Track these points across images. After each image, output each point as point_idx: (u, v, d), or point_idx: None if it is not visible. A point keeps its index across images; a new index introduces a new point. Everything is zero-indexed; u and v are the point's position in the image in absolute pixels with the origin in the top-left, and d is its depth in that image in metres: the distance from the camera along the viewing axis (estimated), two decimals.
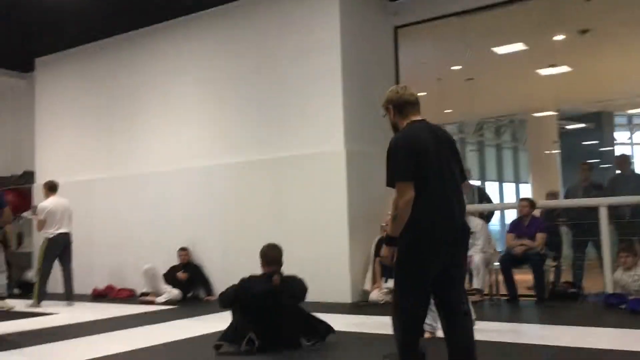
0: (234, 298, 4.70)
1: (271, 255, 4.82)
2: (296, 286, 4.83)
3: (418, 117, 3.24)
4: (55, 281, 9.71)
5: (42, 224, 7.97)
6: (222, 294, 4.85)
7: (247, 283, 4.69)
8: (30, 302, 7.84)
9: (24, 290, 9.84)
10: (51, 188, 8.18)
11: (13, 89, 11.50)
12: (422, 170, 3.03)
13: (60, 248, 7.98)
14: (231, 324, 4.65)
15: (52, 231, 7.92)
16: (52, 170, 10.18)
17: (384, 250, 3.17)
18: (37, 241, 10.19)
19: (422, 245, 3.02)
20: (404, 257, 3.06)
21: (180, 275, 8.06)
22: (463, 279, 3.26)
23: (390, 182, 3.09)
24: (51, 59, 10.46)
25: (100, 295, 8.92)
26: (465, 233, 3.16)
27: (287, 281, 4.80)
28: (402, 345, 3.11)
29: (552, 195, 8.77)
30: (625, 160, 7.99)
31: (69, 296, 7.96)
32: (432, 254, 3.03)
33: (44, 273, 7.89)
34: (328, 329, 4.82)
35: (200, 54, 8.72)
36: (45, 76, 10.56)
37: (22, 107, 11.39)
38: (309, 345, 4.69)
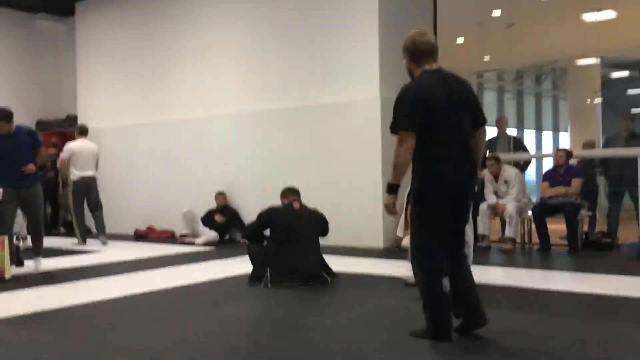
0: (259, 225, 5.06)
1: (287, 188, 5.30)
2: (318, 217, 5.14)
3: (433, 66, 3.24)
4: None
5: (62, 163, 8.26)
6: (246, 228, 5.13)
7: (268, 212, 5.08)
8: (75, 240, 8.23)
9: (70, 229, 10.26)
10: (81, 131, 8.44)
11: (54, 34, 11.68)
12: (429, 123, 3.09)
13: (85, 189, 8.22)
14: (253, 264, 5.01)
15: (77, 173, 8.15)
16: (94, 115, 10.46)
17: (385, 198, 3.23)
18: None
19: (431, 195, 3.14)
20: (418, 205, 3.19)
21: (218, 218, 8.30)
22: (464, 226, 3.36)
23: (393, 130, 3.17)
24: (91, 3, 10.57)
25: (142, 236, 9.26)
26: (471, 185, 3.26)
27: (309, 210, 5.01)
28: (426, 287, 3.19)
29: (589, 145, 8.63)
30: None
31: (102, 239, 8.21)
32: (441, 201, 3.14)
33: (77, 213, 8.23)
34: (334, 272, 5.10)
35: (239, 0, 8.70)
36: (85, 20, 10.69)
37: (64, 52, 11.61)
38: (329, 280, 4.92)
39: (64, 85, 11.58)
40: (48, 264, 6.19)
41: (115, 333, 3.60)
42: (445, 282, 3.16)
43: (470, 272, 3.34)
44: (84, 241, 8.17)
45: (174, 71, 9.45)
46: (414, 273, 3.31)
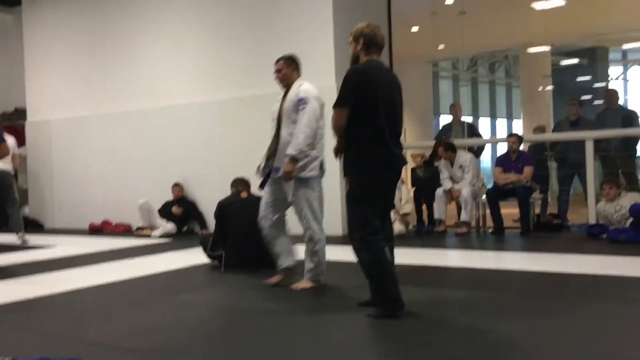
0: (217, 225, 5.19)
1: (237, 179, 5.45)
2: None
3: (378, 59, 3.51)
4: (51, 215, 9.90)
5: None
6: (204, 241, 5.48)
7: (218, 206, 5.22)
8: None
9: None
10: None
11: (0, 25, 11.31)
12: (371, 105, 3.33)
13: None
14: (212, 240, 5.21)
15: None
16: (44, 107, 10.19)
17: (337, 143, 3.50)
18: (34, 177, 10.32)
19: (372, 172, 3.36)
20: (359, 181, 3.36)
21: (175, 209, 8.22)
22: (391, 209, 3.72)
23: (334, 105, 3.41)
24: None
25: (97, 230, 9.10)
26: (400, 172, 3.55)
27: (258, 198, 5.03)
28: (374, 259, 3.30)
29: (540, 129, 8.87)
30: (613, 95, 8.04)
31: (19, 233, 7.58)
32: (380, 178, 3.38)
33: None
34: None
35: None
36: (32, 10, 10.37)
37: (10, 43, 11.24)
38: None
39: (11, 78, 11.22)
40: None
41: (75, 325, 3.54)
42: (387, 251, 3.35)
43: (393, 257, 3.48)
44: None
45: (127, 61, 9.27)
46: (356, 249, 3.38)
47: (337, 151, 3.52)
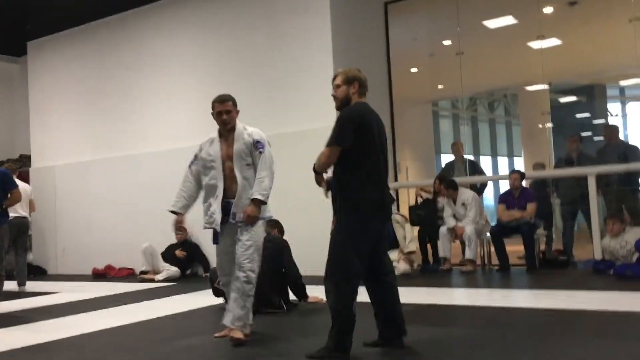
0: None
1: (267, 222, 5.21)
2: (276, 246, 5.18)
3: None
4: (55, 261, 9.89)
5: None
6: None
7: None
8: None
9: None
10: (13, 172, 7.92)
11: (6, 74, 11.52)
12: (365, 146, 3.38)
13: (15, 231, 7.49)
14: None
15: (11, 214, 7.11)
16: (48, 153, 10.29)
17: (316, 177, 3.54)
18: (38, 223, 10.32)
19: (361, 214, 3.36)
20: (347, 222, 3.37)
21: (179, 253, 8.20)
22: (387, 248, 3.68)
23: (329, 143, 3.41)
24: (43, 42, 10.49)
25: (100, 275, 9.05)
26: (390, 211, 3.59)
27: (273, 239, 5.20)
28: (339, 304, 3.29)
29: (539, 165, 8.90)
30: (613, 131, 8.10)
31: (21, 282, 7.69)
32: (369, 221, 3.38)
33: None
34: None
35: (194, 34, 8.77)
36: (38, 59, 10.59)
37: (16, 91, 11.45)
38: (286, 307, 5.04)
39: (16, 125, 11.39)
40: (2, 306, 5.99)
41: None
42: (355, 304, 3.31)
43: (397, 292, 3.52)
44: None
45: (129, 107, 9.41)
46: (327, 291, 3.36)
47: (328, 189, 3.55)
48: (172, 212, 4.29)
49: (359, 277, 3.35)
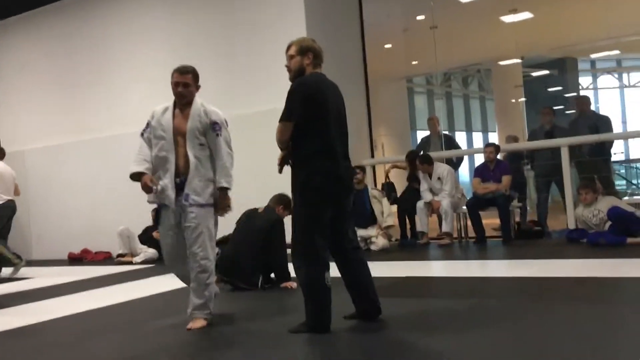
0: None
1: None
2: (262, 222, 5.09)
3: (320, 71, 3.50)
4: (27, 246, 9.75)
5: None
6: None
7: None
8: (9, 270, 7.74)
9: None
10: (1, 154, 7.73)
11: None
12: (318, 117, 3.28)
13: (10, 214, 7.59)
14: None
15: (4, 197, 7.46)
16: (18, 137, 10.07)
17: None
18: None
19: (318, 189, 3.27)
20: (304, 198, 3.29)
21: (156, 234, 8.12)
22: (351, 221, 3.54)
23: (280, 118, 3.33)
24: (10, 22, 10.21)
25: (77, 260, 8.95)
26: (350, 187, 3.48)
27: (262, 215, 5.17)
28: (310, 280, 3.27)
29: (512, 138, 8.99)
30: (585, 102, 8.20)
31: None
32: (327, 196, 3.30)
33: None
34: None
35: (164, 11, 8.61)
36: (4, 40, 10.31)
37: None
38: (265, 287, 4.97)
39: None
40: None
41: (56, 354, 3.46)
42: (327, 275, 3.26)
43: (365, 267, 3.46)
44: (21, 260, 7.47)
45: (100, 89, 9.23)
46: (295, 268, 3.34)
47: (282, 164, 3.43)
48: (138, 173, 3.88)
49: (324, 249, 3.30)
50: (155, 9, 8.68)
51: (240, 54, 7.96)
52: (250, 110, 7.79)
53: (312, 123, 3.28)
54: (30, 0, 9.49)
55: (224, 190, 3.72)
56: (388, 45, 11.87)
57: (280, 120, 3.31)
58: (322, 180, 3.27)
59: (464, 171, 12.57)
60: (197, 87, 3.92)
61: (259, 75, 7.81)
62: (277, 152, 3.48)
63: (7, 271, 7.33)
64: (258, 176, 7.61)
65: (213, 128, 3.74)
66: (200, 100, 3.89)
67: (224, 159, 3.73)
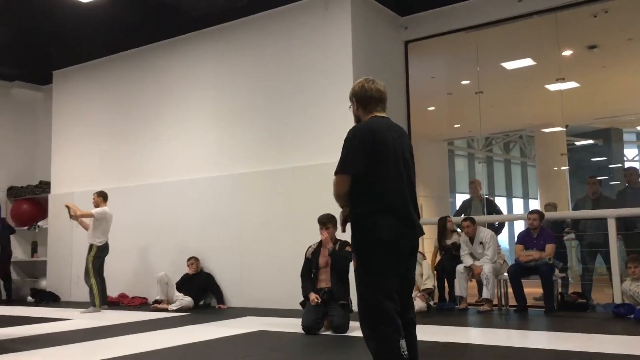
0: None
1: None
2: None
3: (382, 114, 3.11)
4: (67, 288, 9.91)
5: (86, 224, 8.35)
6: None
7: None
8: (89, 308, 8.04)
9: (38, 298, 9.99)
10: (105, 198, 8.46)
11: (30, 101, 11.74)
12: (377, 165, 2.90)
13: (106, 254, 8.31)
14: None
15: (103, 238, 8.22)
16: (68, 180, 10.40)
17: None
18: (53, 250, 10.37)
19: (383, 254, 2.86)
20: (362, 259, 2.89)
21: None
22: (413, 287, 3.14)
23: (335, 171, 2.97)
24: (68, 72, 10.72)
25: (113, 303, 9.02)
26: (418, 238, 3.04)
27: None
28: (385, 352, 2.79)
29: (551, 206, 8.85)
30: (634, 173, 8.05)
31: (105, 301, 8.33)
32: (388, 255, 2.87)
33: (100, 278, 8.20)
34: None
35: (216, 67, 8.92)
36: (62, 88, 10.80)
37: (39, 119, 11.65)
38: None
39: (38, 152, 11.55)
40: (12, 331, 5.99)
41: None
42: (403, 344, 2.81)
43: (416, 338, 3.04)
44: (100, 305, 8.08)
45: (147, 137, 9.53)
46: (366, 337, 2.87)
47: (344, 223, 3.04)
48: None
49: (395, 314, 2.82)
50: (205, 65, 9.00)
51: (285, 114, 8.11)
52: (294, 165, 7.90)
53: (372, 173, 2.87)
54: (89, 51, 9.96)
55: None
56: (431, 108, 11.98)
57: (335, 174, 2.94)
58: (384, 237, 2.85)
59: (503, 237, 12.36)
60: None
61: (303, 133, 7.94)
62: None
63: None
64: (294, 229, 7.65)
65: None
66: None
67: None
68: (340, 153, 2.96)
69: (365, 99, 3.10)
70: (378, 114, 3.08)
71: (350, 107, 3.20)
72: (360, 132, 2.96)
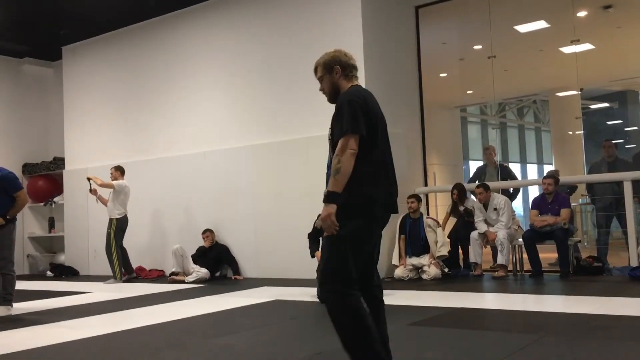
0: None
1: None
2: None
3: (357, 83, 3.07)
4: (87, 262, 10.05)
5: (104, 199, 8.68)
6: None
7: None
8: (110, 280, 8.43)
9: (57, 272, 10.15)
10: (123, 172, 8.74)
11: (41, 78, 11.76)
12: (372, 135, 2.84)
13: (126, 228, 8.61)
14: None
15: (123, 211, 8.55)
16: (82, 156, 10.47)
17: (323, 210, 2.73)
18: (70, 225, 10.49)
19: (364, 214, 2.80)
20: (346, 223, 2.73)
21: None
22: (378, 257, 3.08)
23: (340, 135, 2.79)
24: (78, 47, 10.70)
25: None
26: (396, 209, 2.98)
27: None
28: (348, 309, 2.70)
29: (555, 172, 8.75)
30: None
31: (131, 271, 8.70)
32: (372, 223, 2.85)
33: (120, 249, 8.51)
34: None
35: (228, 37, 8.85)
36: (72, 64, 10.80)
37: (50, 96, 11.68)
38: None
39: (50, 128, 11.61)
40: (36, 305, 6.10)
41: None
42: (364, 303, 2.76)
43: (383, 309, 2.99)
44: (121, 278, 8.42)
45: (160, 109, 9.53)
46: (329, 301, 2.76)
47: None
48: None
49: (355, 282, 2.75)
50: (216, 36, 8.94)
51: (295, 83, 8.07)
52: (305, 135, 7.88)
53: (367, 140, 2.80)
54: (98, 25, 9.91)
55: None
56: (443, 74, 11.83)
57: (344, 135, 2.75)
58: (378, 208, 2.83)
59: (517, 203, 12.31)
60: None
61: (313, 103, 7.89)
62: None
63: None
64: (310, 200, 7.67)
65: None
66: None
67: None
68: (341, 116, 2.80)
69: (349, 67, 3.06)
70: (357, 83, 3.05)
71: (321, 80, 3.10)
72: (355, 97, 2.85)
